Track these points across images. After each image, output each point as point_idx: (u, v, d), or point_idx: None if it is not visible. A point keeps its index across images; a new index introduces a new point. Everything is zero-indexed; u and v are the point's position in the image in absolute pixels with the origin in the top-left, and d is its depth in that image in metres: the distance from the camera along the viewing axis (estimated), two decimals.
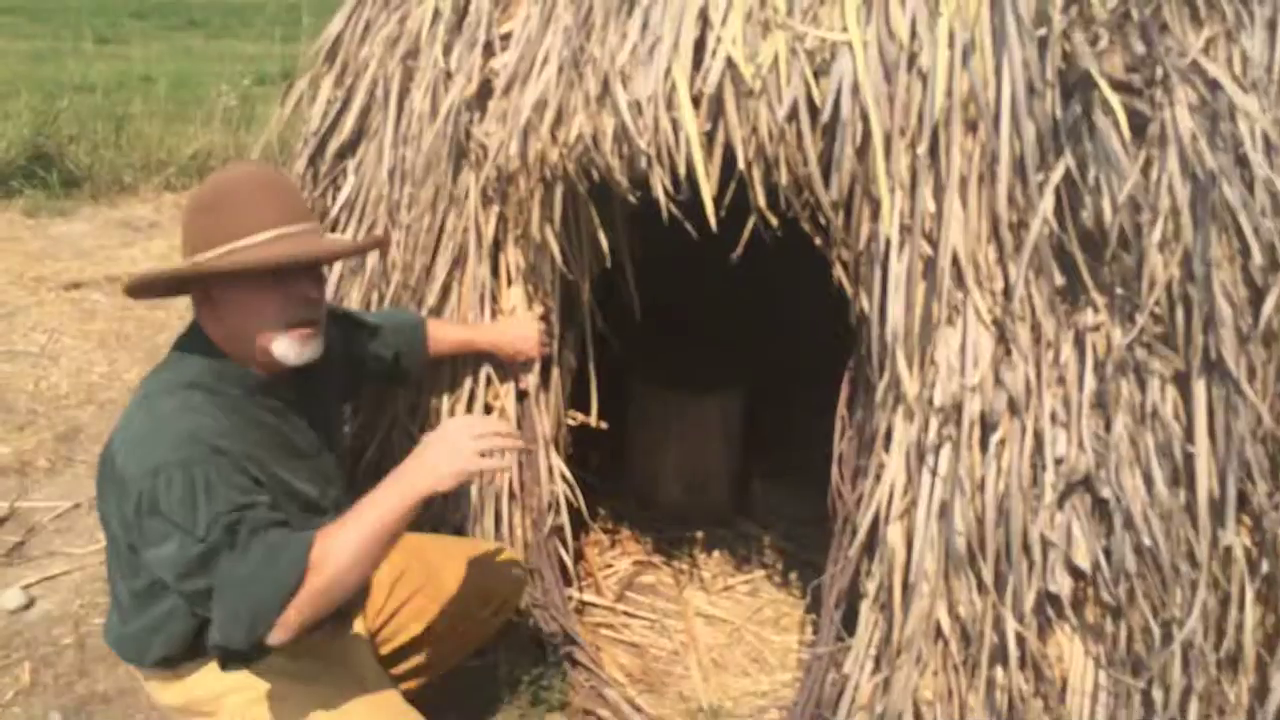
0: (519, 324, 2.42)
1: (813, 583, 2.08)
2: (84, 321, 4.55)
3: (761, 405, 3.40)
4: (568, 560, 2.67)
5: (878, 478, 1.85)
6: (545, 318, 2.47)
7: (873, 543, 1.90)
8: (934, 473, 1.75)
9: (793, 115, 1.82)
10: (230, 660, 1.53)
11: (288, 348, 1.66)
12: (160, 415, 1.57)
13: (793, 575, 3.02)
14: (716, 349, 3.53)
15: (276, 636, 1.46)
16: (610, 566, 3.02)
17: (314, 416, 1.86)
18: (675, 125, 1.85)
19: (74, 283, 4.96)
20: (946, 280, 1.72)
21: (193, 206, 1.65)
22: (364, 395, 2.44)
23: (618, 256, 2.50)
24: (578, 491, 2.62)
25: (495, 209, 2.39)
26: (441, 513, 2.57)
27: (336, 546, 1.47)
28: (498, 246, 2.46)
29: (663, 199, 1.85)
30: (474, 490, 2.57)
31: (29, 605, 2.74)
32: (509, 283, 2.48)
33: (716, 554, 3.12)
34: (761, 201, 1.88)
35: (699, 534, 3.19)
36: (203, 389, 1.63)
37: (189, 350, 1.69)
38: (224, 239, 1.61)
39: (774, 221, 1.89)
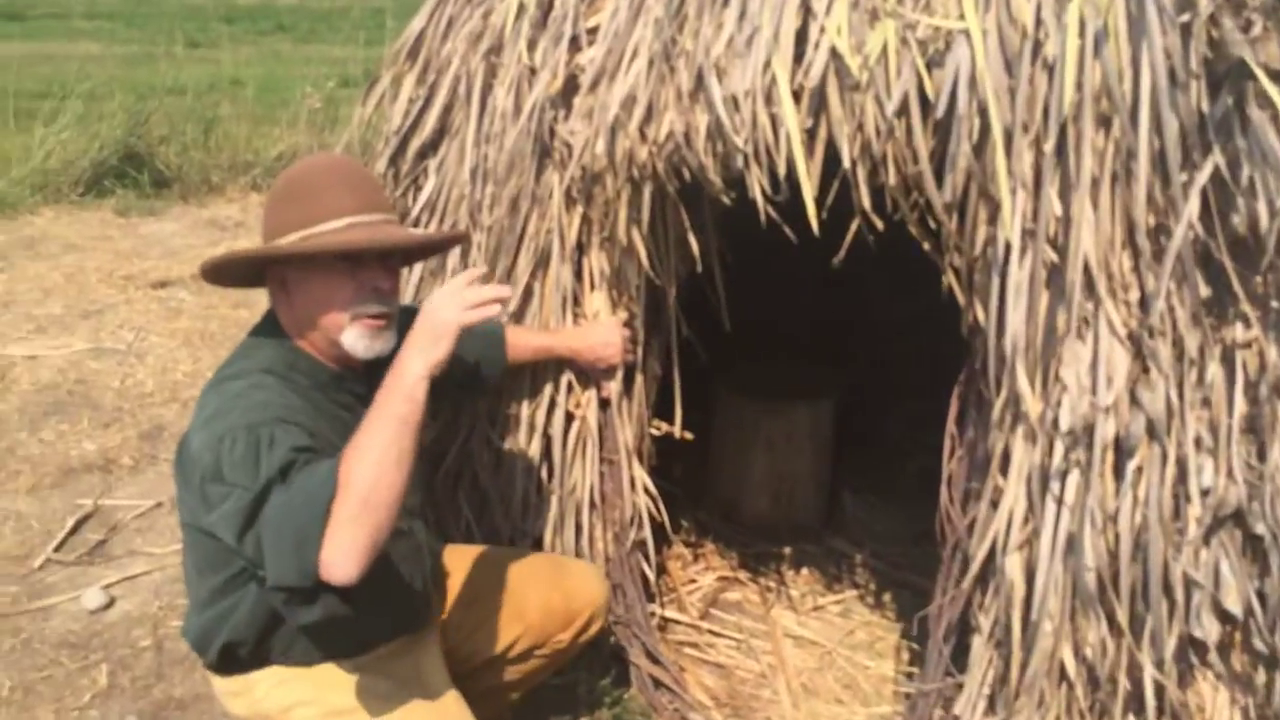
0: (602, 330, 2.32)
1: (918, 614, 1.93)
2: (170, 320, 4.58)
3: (850, 413, 3.25)
4: (650, 575, 2.56)
5: (994, 504, 1.70)
6: (629, 323, 2.36)
7: (986, 573, 1.75)
8: (1060, 501, 1.59)
9: (903, 110, 1.68)
10: (292, 604, 1.44)
11: (356, 339, 1.63)
12: (230, 394, 1.55)
13: (886, 597, 2.87)
14: (805, 355, 3.40)
15: (337, 564, 1.36)
16: (694, 582, 2.91)
17: None
18: (775, 121, 1.73)
19: (161, 281, 5.01)
20: (1076, 289, 1.57)
21: (272, 194, 1.66)
22: (443, 403, 2.35)
23: (707, 260, 2.39)
24: (661, 504, 2.52)
25: (579, 210, 2.29)
26: (521, 523, 2.49)
27: (359, 453, 1.39)
28: (581, 249, 2.36)
29: (760, 200, 1.72)
30: (554, 500, 2.48)
31: (109, 605, 2.72)
32: (592, 287, 2.38)
33: (805, 571, 2.98)
34: (866, 203, 1.75)
35: (786, 549, 3.05)
36: (274, 375, 1.60)
37: (262, 339, 1.68)
38: (300, 224, 1.60)
39: (879, 225, 1.76)
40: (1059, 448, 1.60)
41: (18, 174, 6.58)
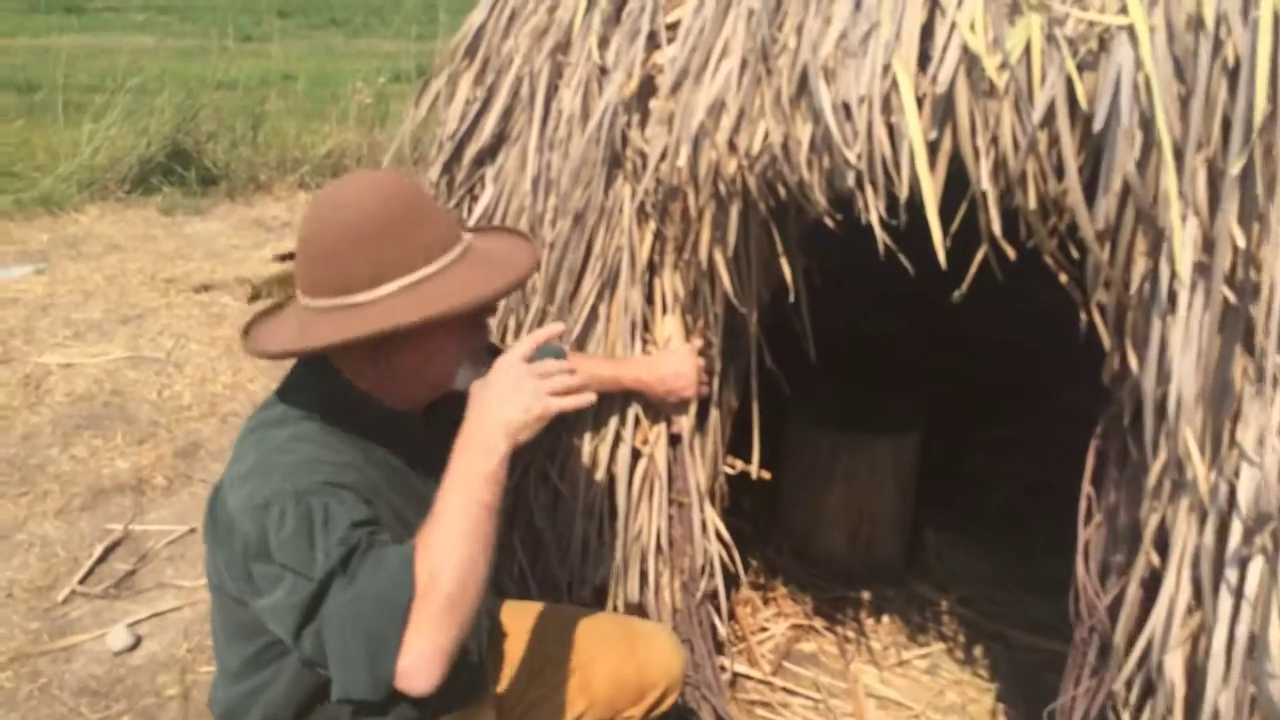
0: (674, 359, 2.09)
1: (1047, 707, 1.67)
2: (212, 326, 4.41)
3: (927, 441, 2.98)
4: (722, 630, 2.32)
5: (1145, 586, 1.44)
6: (704, 352, 2.12)
7: (1130, 660, 1.49)
8: (1238, 594, 1.33)
9: (1048, 120, 1.42)
10: (360, 715, 1.27)
11: (467, 378, 1.45)
12: (271, 447, 1.35)
13: (977, 651, 2.61)
14: (882, 380, 3.13)
15: (418, 674, 1.19)
16: (765, 630, 2.66)
17: (440, 451, 1.58)
18: (894, 133, 1.47)
19: (204, 285, 4.85)
20: (1265, 337, 1.30)
21: (334, 237, 1.37)
22: None
23: (791, 284, 2.14)
24: (735, 551, 2.28)
25: (652, 226, 2.06)
26: (580, 570, 2.26)
27: (440, 546, 1.24)
28: (653, 269, 2.12)
29: (876, 224, 1.47)
30: (617, 546, 2.24)
31: (135, 646, 2.53)
32: (664, 311, 2.15)
33: (886, 619, 2.72)
34: (996, 227, 1.49)
35: (865, 594, 2.80)
36: (320, 420, 1.40)
37: (304, 378, 1.47)
38: (399, 271, 1.37)
39: (1010, 252, 1.50)
40: (1237, 528, 1.33)
41: (64, 170, 6.48)
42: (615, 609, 2.23)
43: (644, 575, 2.23)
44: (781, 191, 1.66)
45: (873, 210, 1.46)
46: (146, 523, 3.03)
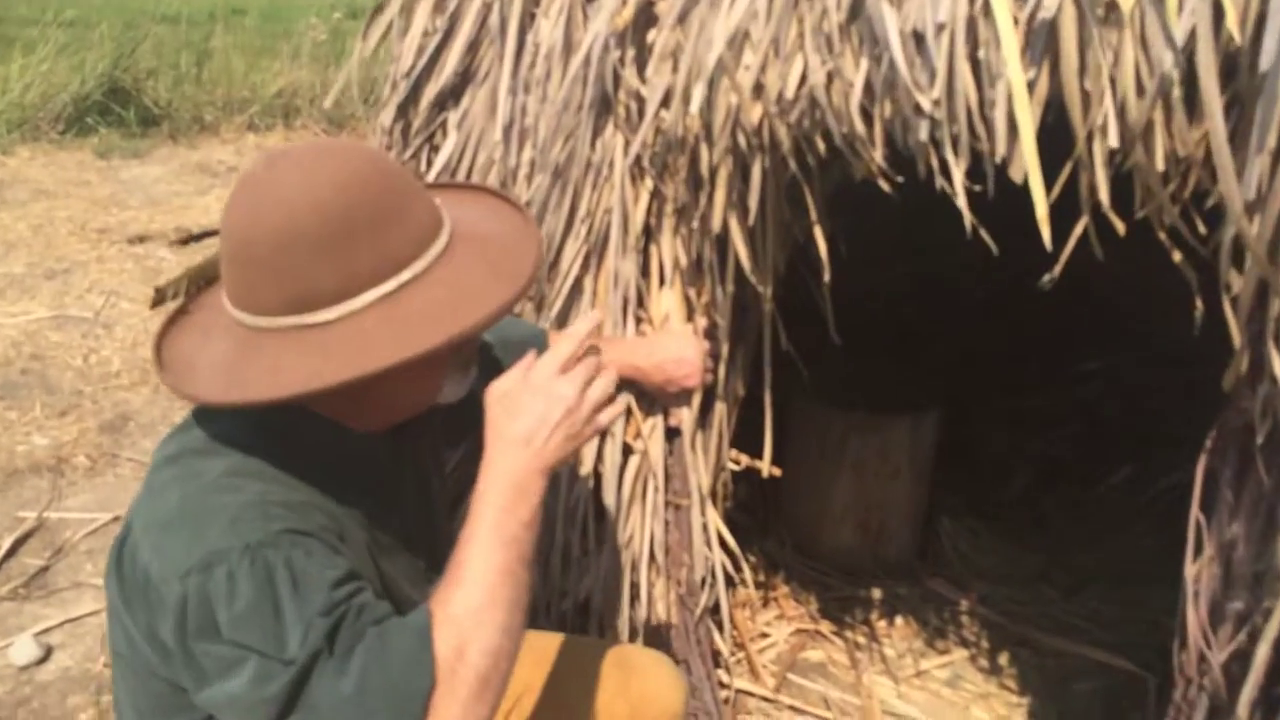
0: (674, 342, 1.77)
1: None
2: (146, 281, 4.02)
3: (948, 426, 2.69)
4: (723, 647, 2.03)
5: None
6: (709, 333, 1.80)
7: None
8: None
9: (1184, 57, 1.09)
10: None
11: (452, 390, 1.18)
12: (203, 484, 1.03)
13: (1003, 658, 2.34)
14: (894, 353, 2.83)
15: None
16: (766, 636, 2.37)
17: (419, 476, 1.31)
18: (980, 72, 1.14)
19: (139, 236, 4.44)
20: None
21: (288, 241, 1.03)
22: (470, 434, 1.79)
23: (812, 252, 1.81)
24: (741, 559, 1.98)
25: (649, 185, 1.73)
26: (561, 582, 1.95)
27: (465, 612, 0.99)
28: (649, 235, 1.80)
29: (959, 189, 1.15)
30: (604, 554, 1.94)
31: (44, 658, 2.19)
32: (661, 283, 1.82)
33: (900, 621, 2.44)
34: (1104, 195, 1.17)
35: (876, 592, 2.52)
36: (263, 447, 1.07)
37: None
38: (375, 278, 1.05)
39: (1120, 227, 1.19)
40: None
41: None
42: (600, 626, 1.94)
43: (635, 588, 1.94)
44: (821, 147, 1.32)
45: (955, 171, 1.13)
46: (64, 510, 2.68)
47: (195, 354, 1.12)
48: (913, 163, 1.26)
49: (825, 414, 2.49)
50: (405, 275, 1.06)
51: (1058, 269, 1.22)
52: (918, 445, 2.52)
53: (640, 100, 1.63)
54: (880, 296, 3.28)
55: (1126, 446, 3.01)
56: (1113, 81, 1.11)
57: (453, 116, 1.96)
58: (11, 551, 2.50)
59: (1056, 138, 1.20)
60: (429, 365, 1.08)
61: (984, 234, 1.19)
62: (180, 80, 6.60)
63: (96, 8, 7.79)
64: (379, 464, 1.20)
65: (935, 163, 1.16)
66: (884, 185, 1.26)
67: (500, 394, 1.11)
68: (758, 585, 2.51)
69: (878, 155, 1.22)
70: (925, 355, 3.08)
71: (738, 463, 2.01)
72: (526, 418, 1.08)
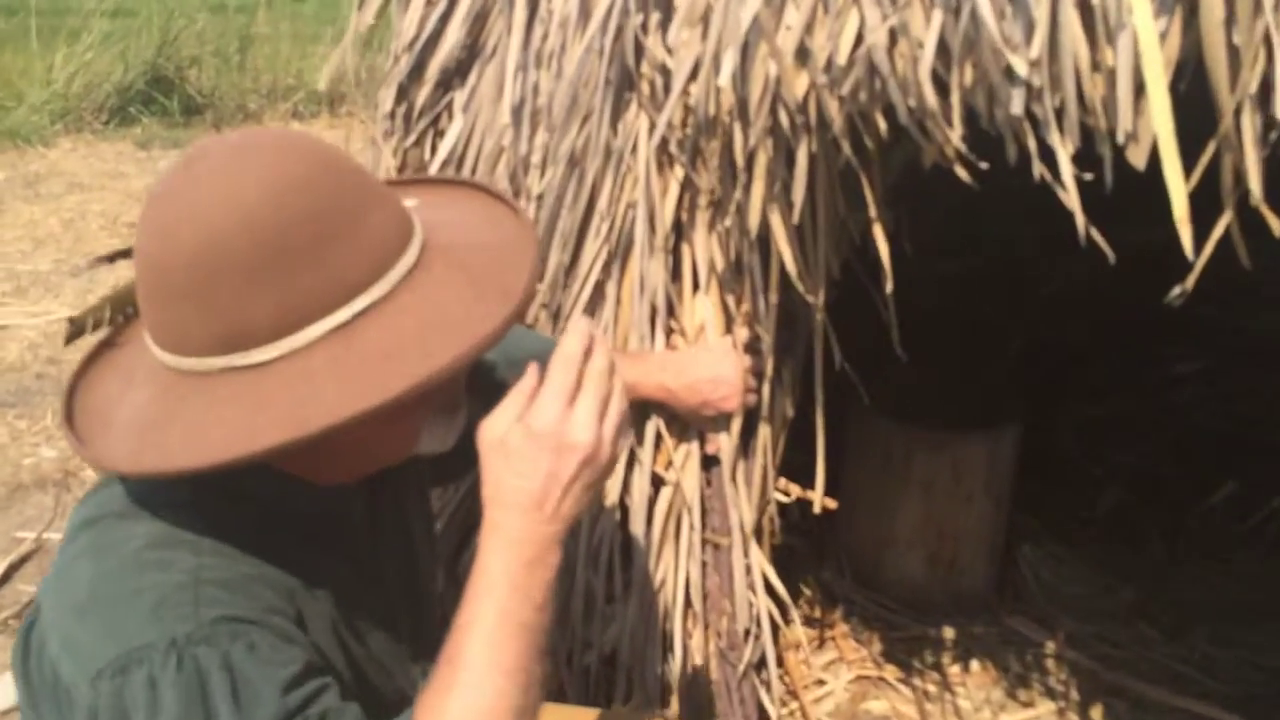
0: (711, 359, 1.53)
1: None
2: None
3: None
4: (771, 709, 1.77)
5: None
6: (752, 347, 1.54)
7: None
8: None
9: None
10: None
11: (434, 439, 0.95)
12: (121, 557, 0.84)
13: (1094, 711, 2.04)
14: (970, 364, 2.53)
15: None
16: (822, 684, 2.11)
17: (402, 535, 1.10)
18: (1093, 24, 0.86)
19: None
20: None
21: (216, 266, 0.81)
22: (468, 472, 1.54)
23: (870, 252, 1.54)
24: (790, 606, 1.73)
25: (679, 174, 1.47)
26: (583, 633, 1.71)
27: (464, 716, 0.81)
28: (679, 232, 1.54)
29: (1067, 180, 0.87)
30: (632, 601, 1.69)
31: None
32: (695, 289, 1.57)
33: (976, 666, 2.16)
34: (1256, 184, 0.88)
35: (948, 632, 2.23)
36: (198, 505, 0.86)
37: None
38: (331, 303, 0.83)
39: (1276, 225, 0.90)
40: None
41: (36, 99, 5.89)
42: (629, 683, 1.71)
43: (668, 639, 1.70)
44: (882, 126, 1.05)
45: (1061, 154, 0.85)
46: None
47: (113, 406, 0.91)
48: (998, 144, 0.99)
49: (888, 428, 2.21)
50: (361, 302, 0.83)
51: (1191, 280, 0.93)
52: (995, 464, 2.23)
53: (665, 73, 1.37)
54: (940, 292, 2.98)
55: (1227, 460, 2.69)
56: (1267, 39, 0.82)
57: (459, 97, 1.72)
58: (6, 577, 2.33)
59: (1191, 111, 0.91)
60: (399, 413, 0.84)
61: (1098, 238, 0.91)
62: (224, 68, 6.47)
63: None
64: (348, 523, 0.99)
65: (1032, 144, 0.88)
66: (963, 174, 0.98)
67: (496, 441, 0.87)
68: (812, 623, 2.24)
69: (955, 135, 0.94)
70: (994, 358, 2.79)
71: (786, 494, 1.75)
72: (534, 475, 0.86)
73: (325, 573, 0.93)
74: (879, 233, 1.19)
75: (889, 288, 1.21)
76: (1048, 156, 0.91)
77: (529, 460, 0.85)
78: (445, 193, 1.08)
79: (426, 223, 0.92)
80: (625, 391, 0.90)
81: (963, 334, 2.73)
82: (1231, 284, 2.73)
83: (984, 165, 0.95)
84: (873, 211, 1.18)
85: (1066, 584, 2.37)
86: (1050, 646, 2.18)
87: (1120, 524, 2.55)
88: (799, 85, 1.10)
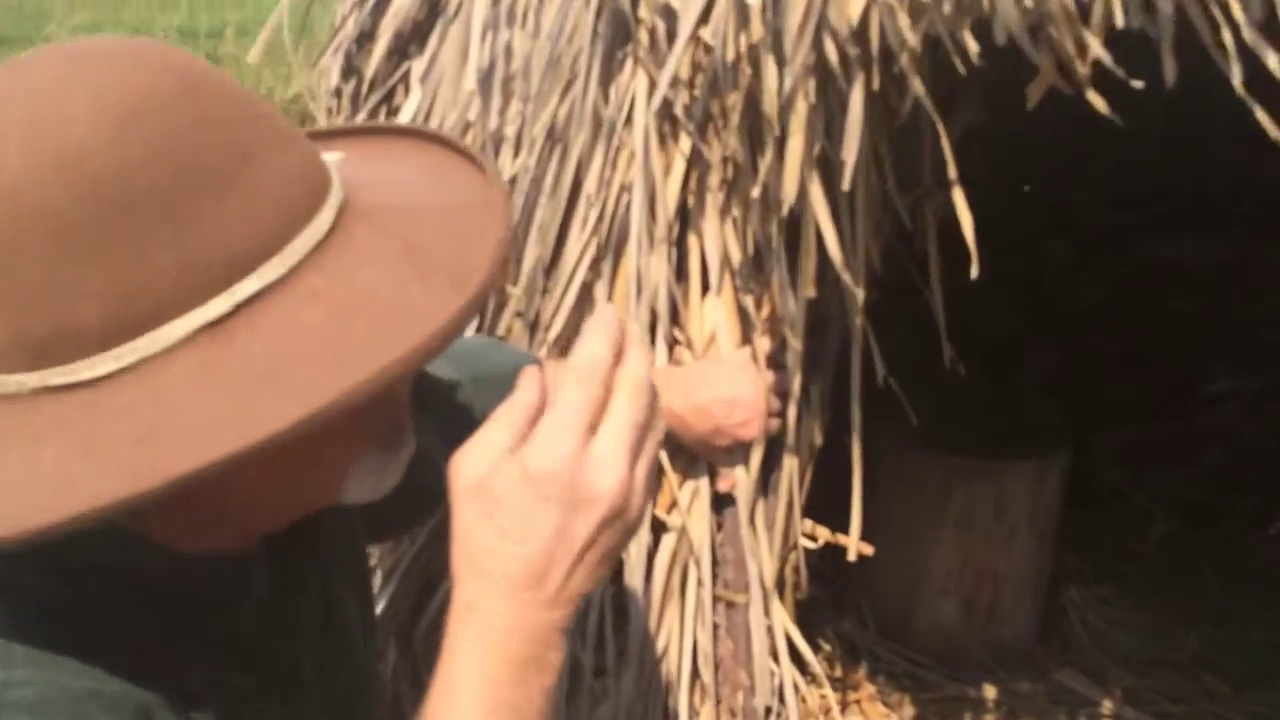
0: (724, 375, 1.28)
1: None
2: None
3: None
4: None
5: None
6: (775, 361, 1.27)
7: None
8: None
9: None
10: None
11: (364, 484, 0.68)
12: None
13: None
14: (1020, 394, 2.33)
15: None
16: None
17: (324, 608, 0.83)
18: None
19: None
20: None
21: (17, 250, 0.54)
22: (422, 511, 1.24)
23: (919, 238, 1.27)
24: (819, 675, 1.45)
25: (685, 145, 1.21)
26: (569, 710, 1.42)
27: None
28: (685, 220, 1.29)
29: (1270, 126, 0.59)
30: (630, 670, 1.42)
31: None
32: (705, 290, 1.30)
33: None
34: None
35: (988, 690, 1.98)
36: (45, 587, 0.63)
37: None
38: (188, 298, 0.56)
39: None
40: None
41: None
42: None
43: (673, 717, 1.40)
44: (973, 48, 0.77)
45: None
46: None
47: None
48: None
49: (921, 456, 1.95)
50: (247, 287, 0.56)
51: None
52: (1041, 497, 1.98)
53: (671, 16, 1.09)
54: (965, 303, 2.75)
55: (1277, 484, 2.45)
56: None
57: (416, 66, 1.46)
58: None
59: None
60: (306, 450, 0.57)
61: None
62: None
63: (93, 25, 7.45)
64: (243, 606, 0.72)
65: (1229, 41, 0.60)
66: (1100, 105, 0.70)
67: (474, 485, 0.61)
68: (832, 683, 1.97)
69: (1096, 48, 0.66)
70: (1027, 376, 2.55)
71: (814, 539, 1.47)
72: (531, 537, 0.61)
73: (205, 682, 0.65)
74: (960, 201, 0.91)
75: (974, 271, 0.93)
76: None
77: (524, 515, 0.60)
78: (383, 144, 0.79)
79: (352, 180, 0.64)
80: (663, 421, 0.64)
81: (988, 349, 2.50)
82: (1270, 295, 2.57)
83: (1137, 83, 0.68)
84: (951, 174, 0.90)
85: (1118, 630, 2.12)
86: (1107, 705, 1.93)
87: (1172, 558, 2.31)
88: (854, 3, 0.83)
